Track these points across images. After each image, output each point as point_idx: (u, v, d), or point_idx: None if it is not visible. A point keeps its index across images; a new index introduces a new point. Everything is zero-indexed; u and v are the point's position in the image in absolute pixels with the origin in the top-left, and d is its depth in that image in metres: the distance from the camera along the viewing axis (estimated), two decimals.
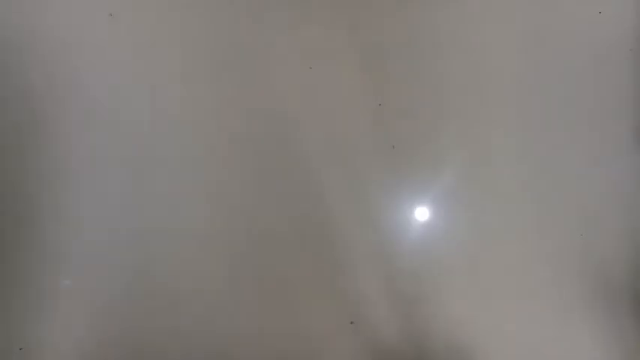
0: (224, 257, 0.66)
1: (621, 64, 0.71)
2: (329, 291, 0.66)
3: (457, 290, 0.67)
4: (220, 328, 0.64)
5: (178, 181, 0.66)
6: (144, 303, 0.64)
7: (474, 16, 0.71)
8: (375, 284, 0.67)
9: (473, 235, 0.68)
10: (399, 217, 0.68)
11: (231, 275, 0.65)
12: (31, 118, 0.65)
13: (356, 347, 0.65)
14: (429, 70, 0.70)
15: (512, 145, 0.70)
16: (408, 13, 0.71)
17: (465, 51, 0.71)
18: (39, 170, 0.65)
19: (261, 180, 0.67)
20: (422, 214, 0.69)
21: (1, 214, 0.64)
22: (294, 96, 0.69)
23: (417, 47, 0.70)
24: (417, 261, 0.67)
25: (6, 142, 0.65)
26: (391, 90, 0.70)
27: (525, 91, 0.70)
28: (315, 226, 0.67)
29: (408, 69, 0.70)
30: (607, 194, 0.69)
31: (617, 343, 0.67)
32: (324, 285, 0.66)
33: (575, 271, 0.68)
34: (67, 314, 0.63)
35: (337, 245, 0.67)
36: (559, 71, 0.71)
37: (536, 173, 0.69)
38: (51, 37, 0.67)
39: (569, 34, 0.71)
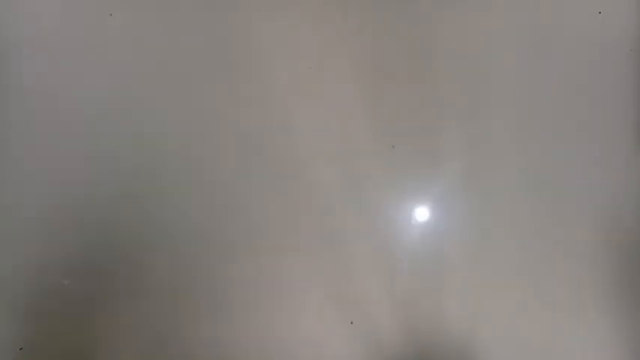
0: (223, 257, 0.66)
1: (621, 64, 0.71)
2: (329, 291, 0.66)
3: (457, 290, 0.67)
4: (220, 328, 0.64)
5: (176, 181, 0.66)
6: (143, 303, 0.64)
7: (474, 17, 0.71)
8: (375, 284, 0.67)
9: (473, 235, 0.68)
10: (399, 217, 0.68)
11: (230, 275, 0.65)
12: (31, 118, 0.66)
13: (356, 347, 0.65)
14: (429, 70, 0.70)
15: (512, 144, 0.70)
16: (408, 12, 0.71)
17: (465, 51, 0.71)
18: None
19: (260, 180, 0.67)
20: (422, 213, 0.69)
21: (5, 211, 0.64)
22: (293, 96, 0.69)
23: (417, 47, 0.70)
24: (417, 261, 0.67)
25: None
26: (391, 90, 0.70)
27: (525, 91, 0.70)
28: (315, 226, 0.67)
29: (408, 69, 0.70)
30: (607, 194, 0.69)
31: (617, 343, 0.67)
32: (324, 285, 0.66)
33: (573, 271, 0.68)
34: (66, 314, 0.63)
35: (337, 245, 0.67)
36: (559, 71, 0.71)
37: (536, 173, 0.69)
38: (50, 37, 0.67)
39: (569, 34, 0.71)
